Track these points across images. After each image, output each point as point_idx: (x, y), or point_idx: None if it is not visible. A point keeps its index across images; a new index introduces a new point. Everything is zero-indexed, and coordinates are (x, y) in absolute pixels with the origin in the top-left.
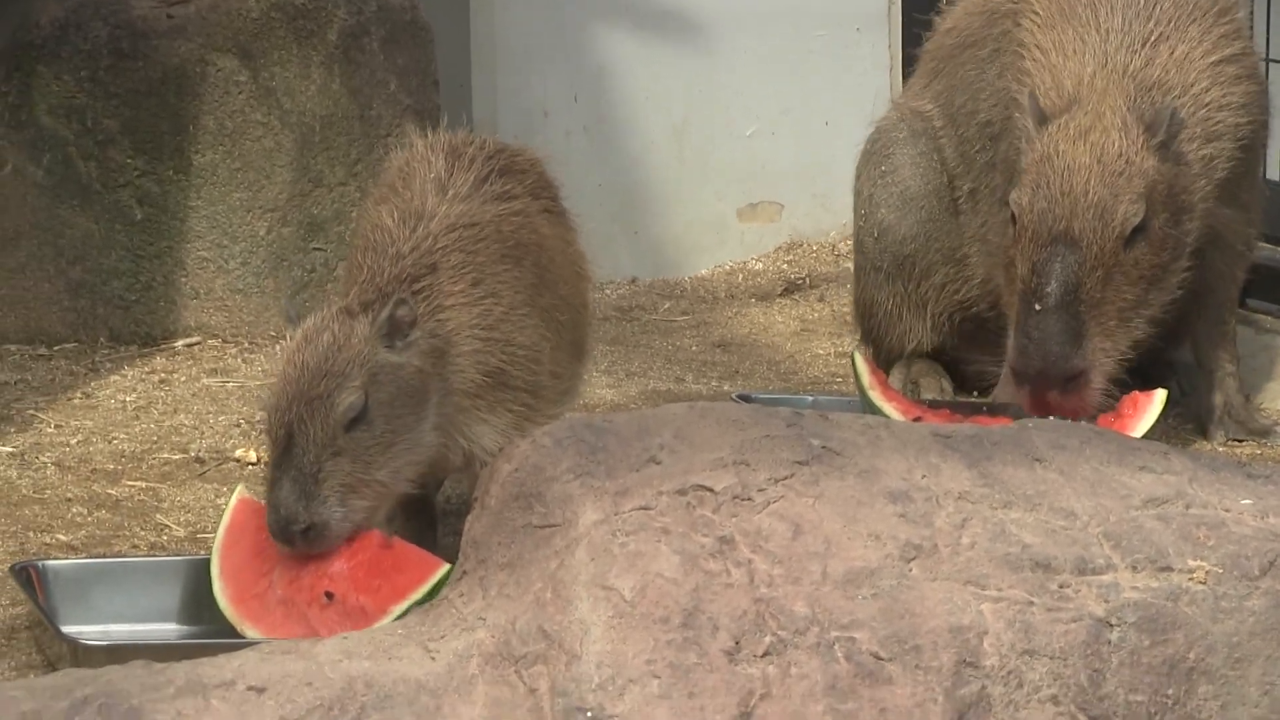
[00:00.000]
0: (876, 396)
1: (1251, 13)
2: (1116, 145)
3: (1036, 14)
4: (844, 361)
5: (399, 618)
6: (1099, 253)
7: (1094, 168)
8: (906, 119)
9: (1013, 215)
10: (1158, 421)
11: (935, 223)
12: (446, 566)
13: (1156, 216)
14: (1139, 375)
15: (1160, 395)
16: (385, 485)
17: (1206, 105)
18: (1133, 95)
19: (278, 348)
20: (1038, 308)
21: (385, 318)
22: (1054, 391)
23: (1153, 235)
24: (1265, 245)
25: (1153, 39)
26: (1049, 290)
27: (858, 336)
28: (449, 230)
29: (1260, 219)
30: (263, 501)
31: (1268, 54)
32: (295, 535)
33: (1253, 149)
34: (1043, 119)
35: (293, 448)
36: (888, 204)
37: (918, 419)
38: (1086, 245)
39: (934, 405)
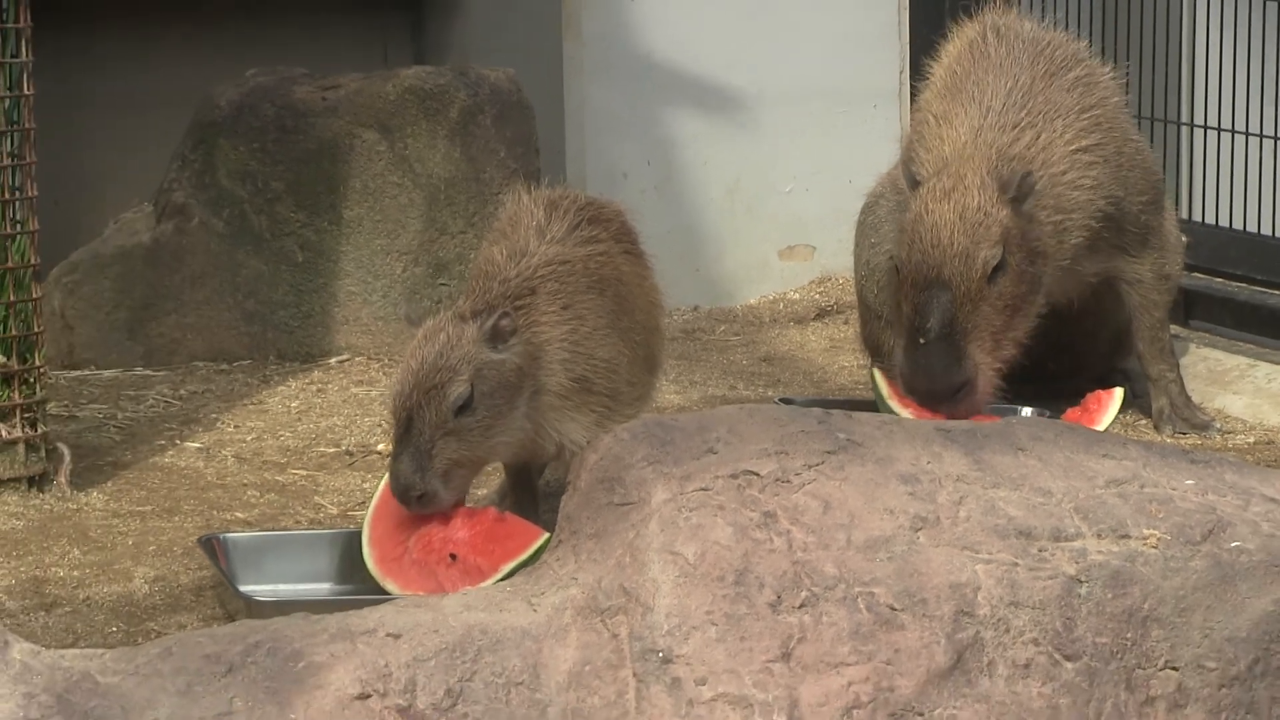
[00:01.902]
0: (895, 405)
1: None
2: (975, 201)
3: (934, 83)
4: (864, 372)
5: (508, 575)
6: (967, 290)
7: (957, 222)
8: (887, 191)
9: (896, 267)
10: (1118, 415)
11: (894, 286)
12: (546, 535)
13: (1013, 256)
14: (1097, 381)
15: (1118, 393)
16: (483, 460)
17: (1062, 184)
18: (994, 162)
19: None
20: (921, 341)
21: (490, 325)
22: (944, 405)
23: (1011, 271)
24: (1201, 276)
25: (1021, 124)
26: (929, 325)
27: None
28: (546, 264)
29: (1176, 257)
30: None
31: (1172, 117)
32: (412, 500)
33: (1119, 218)
34: (915, 183)
35: (411, 429)
36: (880, 269)
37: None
38: (956, 286)
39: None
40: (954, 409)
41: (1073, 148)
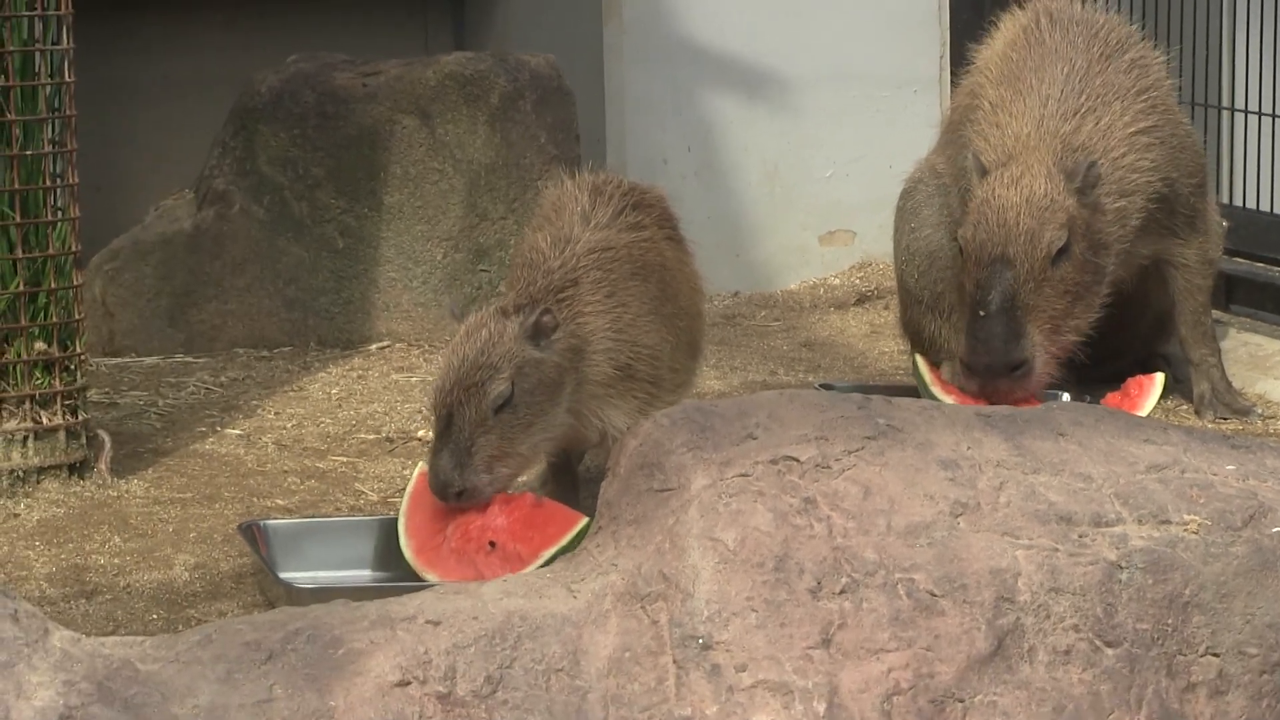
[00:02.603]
0: (938, 391)
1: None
2: (1043, 188)
3: (990, 71)
4: (905, 357)
5: (548, 562)
6: (1030, 269)
7: (1024, 205)
8: (926, 176)
9: (960, 247)
10: (1159, 401)
11: (957, 268)
12: (586, 519)
13: (1077, 244)
14: (1139, 366)
15: (1159, 378)
16: (524, 457)
17: (1122, 167)
18: (1059, 153)
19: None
20: (981, 314)
21: (532, 323)
22: (1003, 380)
23: (1075, 258)
24: (1242, 260)
25: (1082, 110)
26: (990, 299)
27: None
28: (590, 252)
29: (1218, 241)
30: None
31: (1213, 101)
32: (450, 496)
33: (1174, 198)
34: (984, 172)
35: (451, 426)
36: (920, 254)
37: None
38: (1019, 263)
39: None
40: (1011, 388)
41: (1131, 130)
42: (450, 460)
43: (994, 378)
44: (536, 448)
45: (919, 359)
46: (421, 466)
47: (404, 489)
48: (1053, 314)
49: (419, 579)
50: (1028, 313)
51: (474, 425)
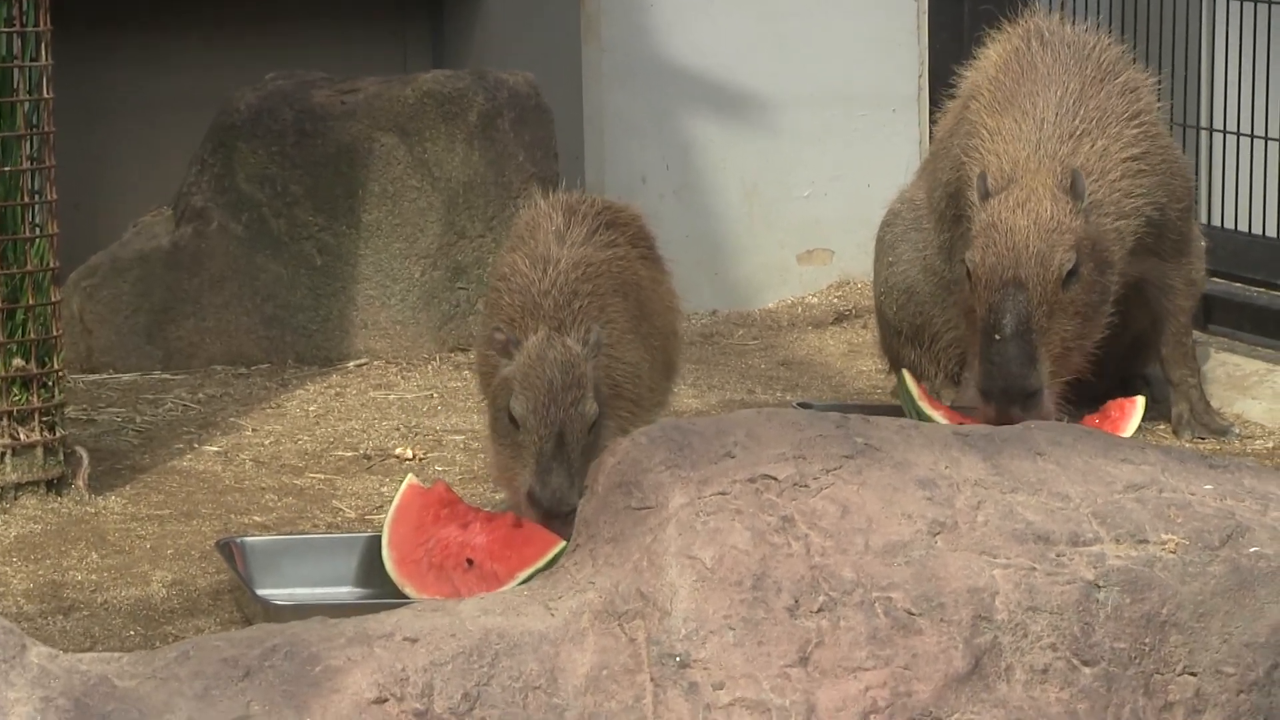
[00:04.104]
0: (925, 407)
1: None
2: (1049, 210)
3: (984, 96)
4: (883, 376)
5: (524, 582)
6: (1042, 292)
7: (1032, 228)
8: (904, 210)
9: (968, 271)
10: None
11: (934, 301)
12: (563, 543)
13: (1085, 265)
14: (1120, 387)
15: (1141, 401)
16: None
17: (1119, 191)
18: (1059, 174)
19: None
20: (997, 338)
21: (595, 341)
22: (1015, 407)
23: (1083, 279)
24: (1220, 280)
25: (1078, 133)
26: (1004, 323)
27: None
28: (574, 267)
29: (1201, 263)
30: (428, 487)
31: (1191, 122)
32: (565, 513)
33: (1163, 223)
34: (986, 194)
35: (563, 445)
36: (898, 289)
37: (961, 423)
38: (1032, 287)
39: (961, 410)
40: (1024, 417)
41: (1124, 156)
42: (566, 479)
43: (1010, 402)
44: None
45: (906, 374)
46: (411, 478)
47: (381, 507)
48: (1064, 337)
49: (397, 593)
50: (1041, 337)
51: (577, 443)
